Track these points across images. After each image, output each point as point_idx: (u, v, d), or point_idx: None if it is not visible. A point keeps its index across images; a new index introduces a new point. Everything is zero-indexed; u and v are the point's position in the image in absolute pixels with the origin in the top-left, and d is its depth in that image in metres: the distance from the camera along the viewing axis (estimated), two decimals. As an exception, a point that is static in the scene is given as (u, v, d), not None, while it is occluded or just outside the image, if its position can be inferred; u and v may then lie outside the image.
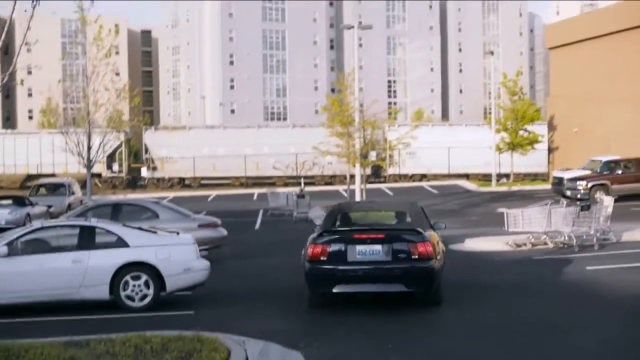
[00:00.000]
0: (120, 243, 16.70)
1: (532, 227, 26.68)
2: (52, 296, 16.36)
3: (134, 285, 16.50)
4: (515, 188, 59.69)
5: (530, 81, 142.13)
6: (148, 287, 16.53)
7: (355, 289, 15.67)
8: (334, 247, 15.37)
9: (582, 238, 25.89)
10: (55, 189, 48.10)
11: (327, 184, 72.20)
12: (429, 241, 15.40)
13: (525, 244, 26.74)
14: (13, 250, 16.52)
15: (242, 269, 23.78)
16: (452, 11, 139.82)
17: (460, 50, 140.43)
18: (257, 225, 39.45)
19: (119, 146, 71.28)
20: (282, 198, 43.87)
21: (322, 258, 15.33)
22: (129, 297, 16.50)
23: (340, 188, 63.76)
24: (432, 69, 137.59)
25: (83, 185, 63.28)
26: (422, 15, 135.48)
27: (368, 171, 51.95)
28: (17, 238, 16.83)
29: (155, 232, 17.60)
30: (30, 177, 71.70)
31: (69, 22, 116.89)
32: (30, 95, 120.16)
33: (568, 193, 43.38)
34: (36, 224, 17.82)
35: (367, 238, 15.40)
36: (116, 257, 16.52)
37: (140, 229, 17.60)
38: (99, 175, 74.05)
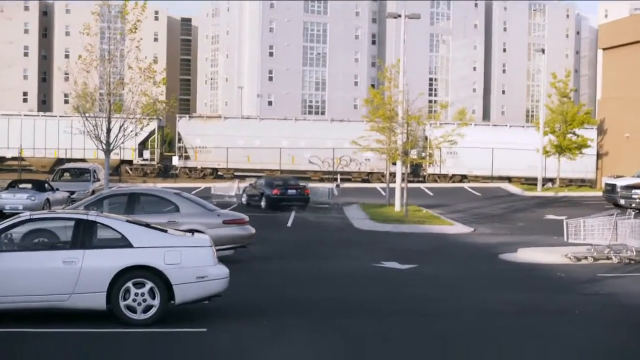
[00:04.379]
0: (123, 242, 13.92)
1: (594, 239, 24.28)
2: (37, 303, 13.67)
3: (136, 294, 13.71)
4: (561, 194, 56.79)
5: (575, 85, 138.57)
6: (153, 296, 13.77)
7: (290, 203, 40.84)
8: (282, 190, 41.42)
9: (651, 254, 23.32)
10: (80, 174, 46.04)
11: (364, 180, 70.09)
12: (308, 189, 43.39)
13: (586, 258, 24.31)
14: (-5, 245, 13.81)
15: (270, 274, 21.10)
16: (498, 10, 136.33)
17: (504, 50, 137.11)
18: (290, 223, 36.80)
19: (152, 133, 69.70)
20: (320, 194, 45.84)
21: (278, 193, 41.27)
22: (130, 308, 13.72)
23: (378, 186, 61.57)
24: (474, 68, 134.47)
25: (114, 171, 62.38)
26: (467, 13, 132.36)
27: (408, 169, 49.38)
28: (1, 231, 14.06)
29: (165, 231, 14.77)
30: (60, 161, 69.59)
31: (108, 8, 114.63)
32: (67, 79, 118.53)
33: (622, 202, 41.07)
34: (24, 214, 14.97)
35: (288, 188, 41.90)
36: (116, 259, 13.74)
37: (147, 225, 14.80)
38: (130, 162, 72.73)
